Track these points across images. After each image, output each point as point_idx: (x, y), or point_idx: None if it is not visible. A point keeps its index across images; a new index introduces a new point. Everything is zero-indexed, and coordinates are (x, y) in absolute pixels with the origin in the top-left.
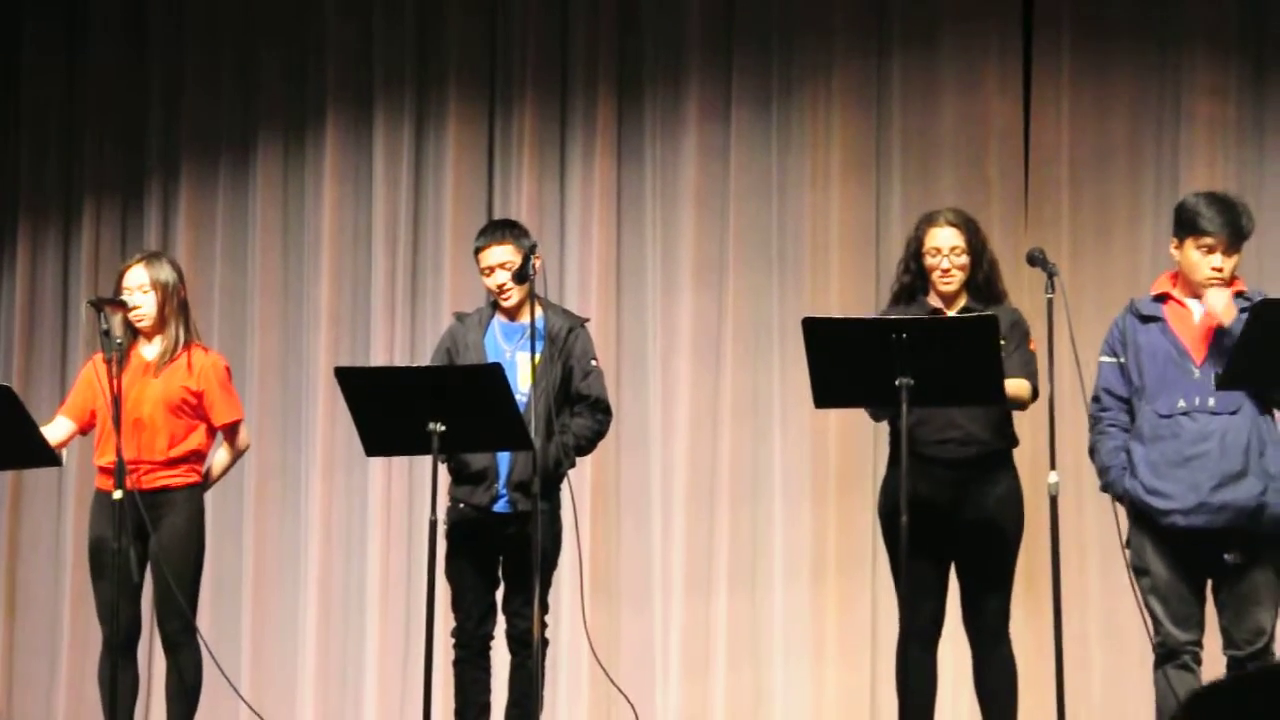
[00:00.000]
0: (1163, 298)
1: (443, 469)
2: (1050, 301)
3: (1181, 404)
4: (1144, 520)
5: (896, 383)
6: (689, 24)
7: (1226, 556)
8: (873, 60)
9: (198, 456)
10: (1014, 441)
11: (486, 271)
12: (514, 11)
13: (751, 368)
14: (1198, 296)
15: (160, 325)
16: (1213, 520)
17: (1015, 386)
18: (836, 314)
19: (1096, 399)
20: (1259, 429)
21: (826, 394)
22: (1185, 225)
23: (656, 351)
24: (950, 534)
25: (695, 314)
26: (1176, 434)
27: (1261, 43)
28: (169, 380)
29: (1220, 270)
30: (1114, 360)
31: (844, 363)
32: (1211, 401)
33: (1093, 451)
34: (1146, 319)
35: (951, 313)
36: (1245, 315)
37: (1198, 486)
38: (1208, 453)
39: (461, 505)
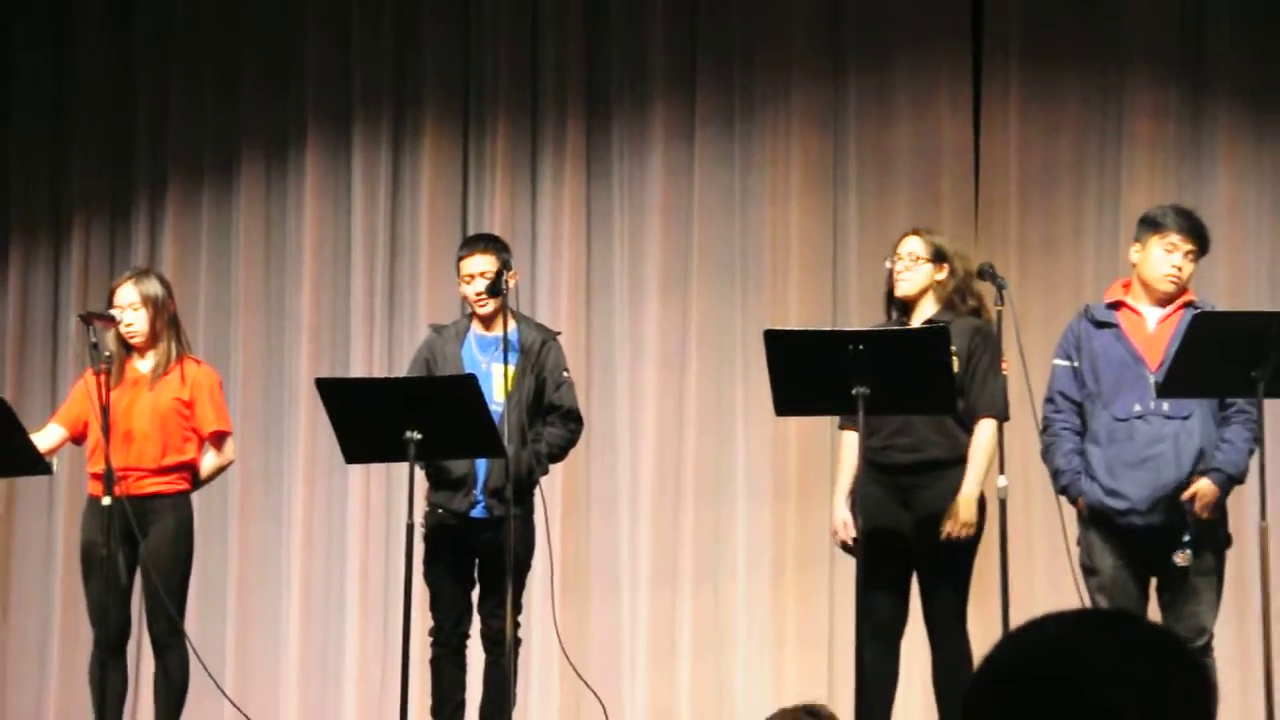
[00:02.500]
0: (1116, 305)
1: (420, 475)
2: (1000, 313)
3: (1136, 408)
4: (1099, 520)
5: (853, 392)
6: (654, 48)
7: (1175, 559)
8: (830, 83)
9: (189, 466)
10: (956, 443)
11: (466, 279)
12: (487, 35)
13: (715, 375)
14: (1158, 303)
15: (152, 340)
16: (1167, 520)
17: (982, 451)
18: (796, 325)
19: (1050, 400)
20: (1209, 434)
21: (786, 402)
22: (1151, 225)
23: (624, 360)
24: (905, 535)
25: (661, 324)
26: (1131, 437)
27: (1200, 66)
28: (162, 392)
29: (1179, 270)
30: (1068, 364)
31: (803, 372)
32: (1165, 406)
33: (1046, 454)
34: (1100, 324)
35: (915, 324)
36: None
37: (1153, 487)
38: (1162, 455)
39: (440, 511)
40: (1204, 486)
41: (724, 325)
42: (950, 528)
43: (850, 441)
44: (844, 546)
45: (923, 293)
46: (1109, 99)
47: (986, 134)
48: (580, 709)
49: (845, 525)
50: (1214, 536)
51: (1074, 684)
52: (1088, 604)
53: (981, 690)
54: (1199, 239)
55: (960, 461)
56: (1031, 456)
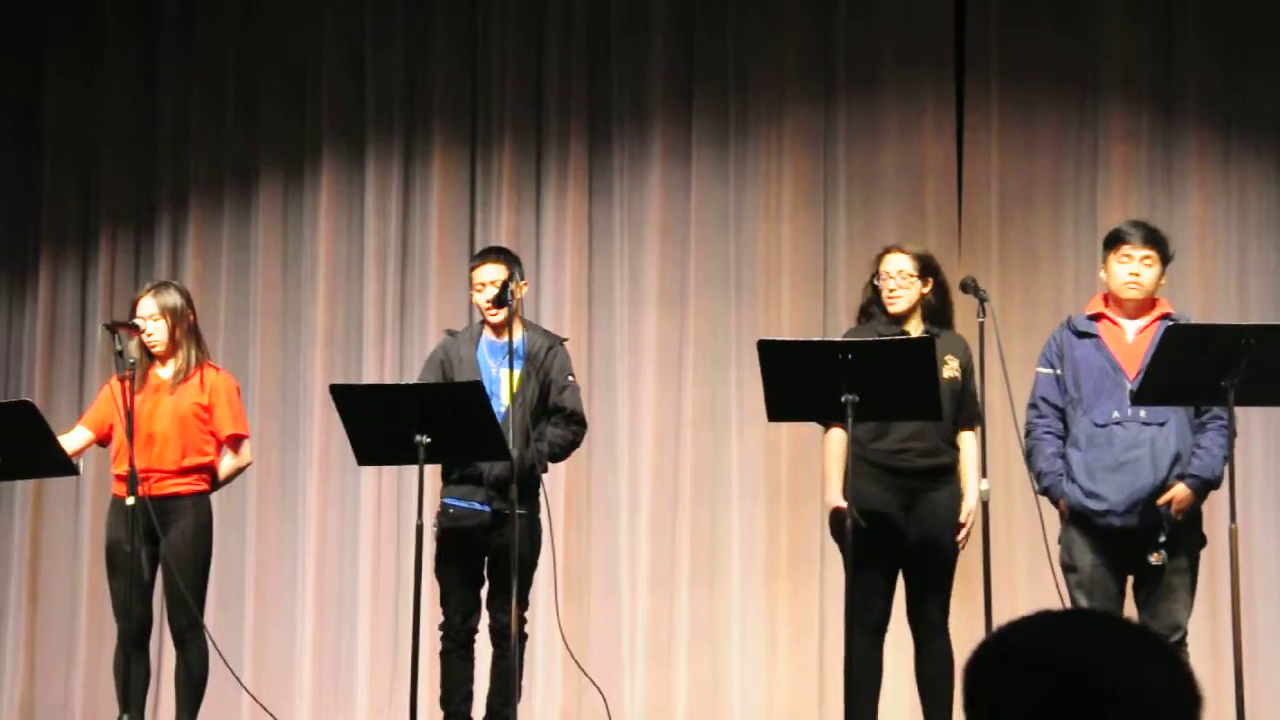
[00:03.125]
0: (1097, 316)
1: (429, 478)
2: (982, 325)
3: (1115, 414)
4: (1079, 521)
5: (843, 399)
6: (653, 71)
7: (1150, 558)
8: (820, 105)
9: (208, 468)
10: (958, 452)
11: (478, 287)
12: (494, 59)
13: (711, 383)
14: (1134, 315)
15: (172, 348)
16: (1144, 521)
17: (975, 464)
18: (788, 335)
19: (1034, 405)
20: (1185, 440)
21: (779, 408)
22: (1108, 242)
23: (624, 368)
24: (899, 537)
25: (659, 334)
26: (1110, 442)
27: (1170, 94)
28: (182, 397)
29: (1137, 275)
30: (1051, 372)
31: (795, 380)
32: (1142, 413)
33: (1028, 456)
34: (1082, 334)
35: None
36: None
37: (1130, 490)
38: (1139, 459)
39: (451, 511)
40: (1180, 491)
41: (719, 335)
42: (963, 538)
43: (839, 436)
44: (838, 540)
45: (913, 307)
46: (1085, 122)
47: (969, 155)
48: (582, 701)
49: (846, 509)
50: (1189, 537)
51: (1076, 676)
52: (1067, 601)
53: (986, 667)
54: (1153, 243)
55: (955, 466)
56: (1013, 461)
